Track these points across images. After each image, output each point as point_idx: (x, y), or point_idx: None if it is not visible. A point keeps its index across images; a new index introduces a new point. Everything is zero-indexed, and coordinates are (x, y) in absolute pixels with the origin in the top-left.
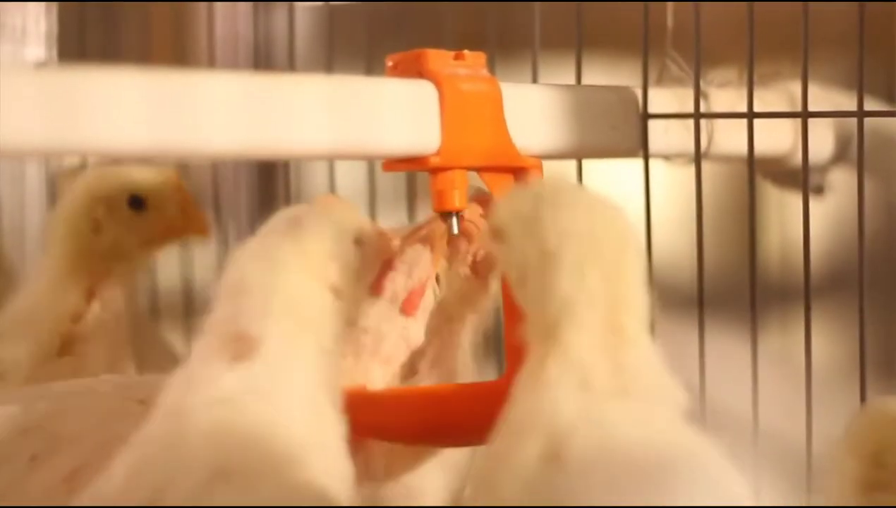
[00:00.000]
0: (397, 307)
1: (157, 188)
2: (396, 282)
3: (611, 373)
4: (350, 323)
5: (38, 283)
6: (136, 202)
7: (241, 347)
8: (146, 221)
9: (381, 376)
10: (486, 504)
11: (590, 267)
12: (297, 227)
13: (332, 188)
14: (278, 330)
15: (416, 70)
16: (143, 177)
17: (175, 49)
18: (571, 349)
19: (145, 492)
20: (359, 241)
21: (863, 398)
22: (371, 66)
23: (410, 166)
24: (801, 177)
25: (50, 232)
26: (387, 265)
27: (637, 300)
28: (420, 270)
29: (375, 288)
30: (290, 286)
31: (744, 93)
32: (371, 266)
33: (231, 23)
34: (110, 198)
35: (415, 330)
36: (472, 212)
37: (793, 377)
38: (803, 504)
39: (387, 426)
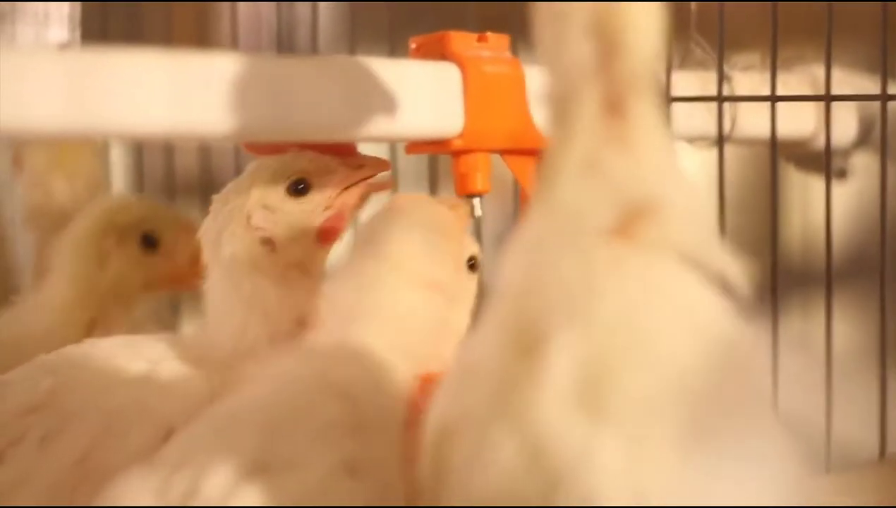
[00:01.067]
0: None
1: (173, 231)
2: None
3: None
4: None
5: (40, 310)
6: (149, 240)
7: None
8: (154, 263)
9: None
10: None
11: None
12: (380, 245)
13: None
14: (380, 339)
15: (439, 52)
16: (160, 215)
17: (198, 34)
18: (574, 133)
19: (187, 476)
20: (442, 231)
21: (883, 383)
22: (394, 50)
23: (433, 149)
24: (823, 161)
25: (57, 254)
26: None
27: (645, 78)
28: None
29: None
30: (392, 302)
31: (767, 76)
32: (461, 239)
33: (254, 7)
34: (123, 231)
35: None
36: None
37: (813, 361)
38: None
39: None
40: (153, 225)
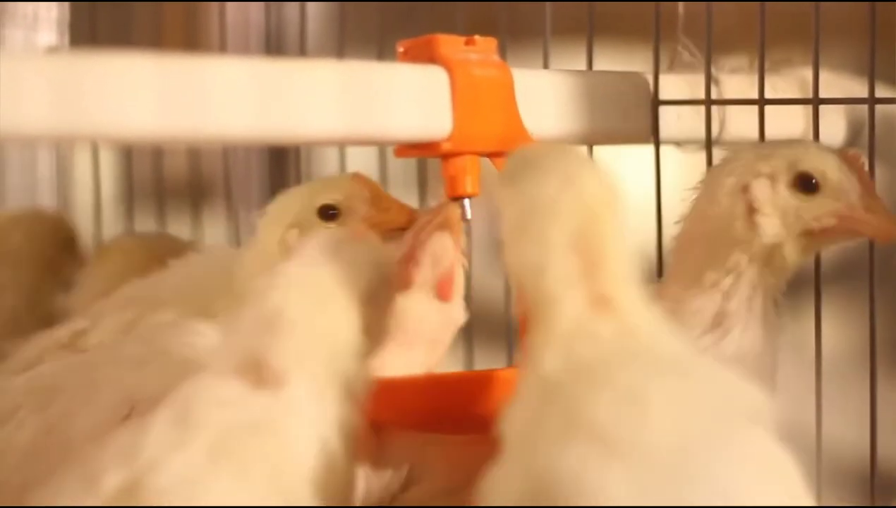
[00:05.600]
0: (431, 293)
1: None
2: (424, 274)
3: (598, 345)
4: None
5: None
6: None
7: (264, 376)
8: None
9: (426, 360)
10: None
11: (555, 237)
12: (339, 263)
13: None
14: (308, 370)
15: (427, 55)
16: None
17: (186, 37)
18: (554, 324)
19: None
20: (383, 280)
21: (873, 386)
22: (382, 54)
23: (422, 152)
24: None
25: None
26: (410, 258)
27: (620, 270)
28: (445, 257)
29: (404, 284)
30: (328, 327)
31: (755, 79)
32: (389, 295)
33: (243, 10)
34: None
35: (456, 311)
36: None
37: (803, 365)
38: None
39: (400, 413)
40: None
